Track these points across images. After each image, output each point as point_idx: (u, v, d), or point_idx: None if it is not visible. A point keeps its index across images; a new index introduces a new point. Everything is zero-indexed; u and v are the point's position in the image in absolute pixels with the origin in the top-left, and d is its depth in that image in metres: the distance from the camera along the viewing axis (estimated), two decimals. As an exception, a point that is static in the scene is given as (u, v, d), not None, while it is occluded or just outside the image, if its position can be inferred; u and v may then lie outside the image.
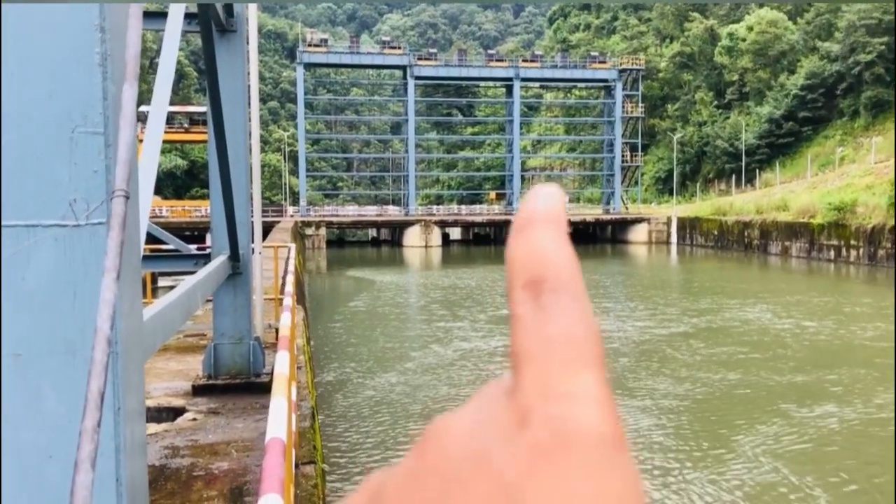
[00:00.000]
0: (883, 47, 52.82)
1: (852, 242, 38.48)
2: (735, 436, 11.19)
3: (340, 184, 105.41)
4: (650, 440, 11.08)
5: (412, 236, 59.14)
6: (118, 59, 1.98)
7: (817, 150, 58.52)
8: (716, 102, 73.17)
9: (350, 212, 71.24)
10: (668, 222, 60.26)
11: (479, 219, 67.00)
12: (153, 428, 6.66)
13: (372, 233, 75.91)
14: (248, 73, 8.11)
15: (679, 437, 11.21)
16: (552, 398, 0.25)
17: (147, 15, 6.65)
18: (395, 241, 64.26)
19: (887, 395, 13.28)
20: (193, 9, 6.22)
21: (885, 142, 49.66)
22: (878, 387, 13.94)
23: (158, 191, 70.18)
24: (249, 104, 8.23)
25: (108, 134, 1.96)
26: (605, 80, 72.13)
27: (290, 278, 8.48)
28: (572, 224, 66.37)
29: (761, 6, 70.03)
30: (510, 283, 0.29)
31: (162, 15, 5.70)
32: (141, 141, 4.12)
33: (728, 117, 69.68)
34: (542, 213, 0.30)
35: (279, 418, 2.57)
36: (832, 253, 40.05)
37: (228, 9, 7.21)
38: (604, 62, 73.27)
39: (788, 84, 63.10)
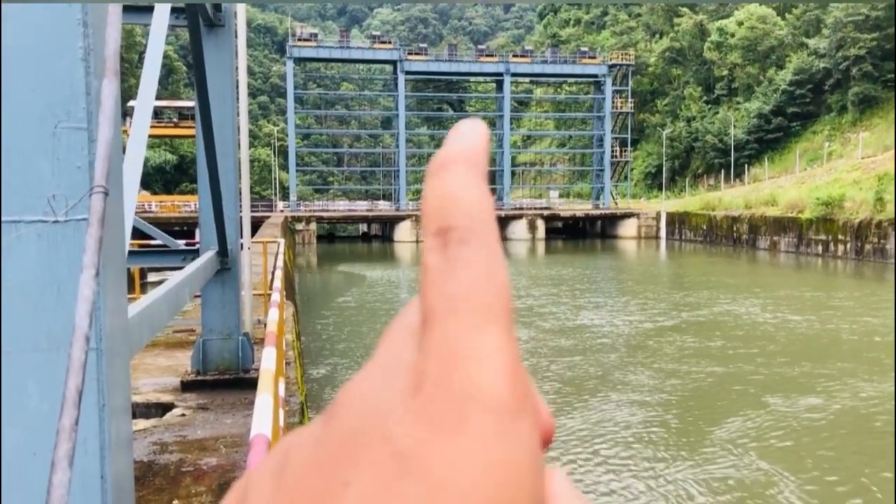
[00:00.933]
0: (874, 43, 53.07)
1: (840, 237, 38.72)
2: (719, 428, 11.26)
3: (331, 179, 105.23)
4: (636, 432, 11.13)
5: (403, 231, 59.12)
6: (100, 54, 1.97)
7: (805, 146, 58.80)
8: (705, 98, 73.40)
9: (340, 207, 71.06)
10: (658, 217, 60.45)
11: (469, 214, 66.95)
12: (141, 424, 6.65)
13: (362, 228, 75.81)
14: (237, 68, 8.08)
15: (665, 429, 11.26)
16: (449, 360, 0.24)
17: (134, 9, 6.61)
18: (386, 237, 64.22)
19: (871, 388, 13.40)
20: (181, 3, 6.19)
21: (873, 137, 49.94)
22: (862, 380, 14.06)
23: (147, 186, 69.87)
24: (238, 99, 8.20)
25: (92, 129, 1.95)
26: (595, 76, 72.21)
27: (279, 274, 8.46)
28: (563, 219, 66.63)
29: (751, 2, 70.27)
30: (423, 230, 0.27)
31: (149, 9, 5.66)
32: (128, 135, 4.10)
33: (717, 112, 69.91)
34: (458, 153, 0.28)
35: (264, 415, 2.57)
36: (820, 247, 40.29)
37: (216, 3, 7.17)
38: (594, 57, 73.34)
39: (777, 79, 63.35)
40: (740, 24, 69.28)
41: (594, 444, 10.59)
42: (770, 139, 62.60)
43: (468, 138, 0.29)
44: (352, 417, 0.24)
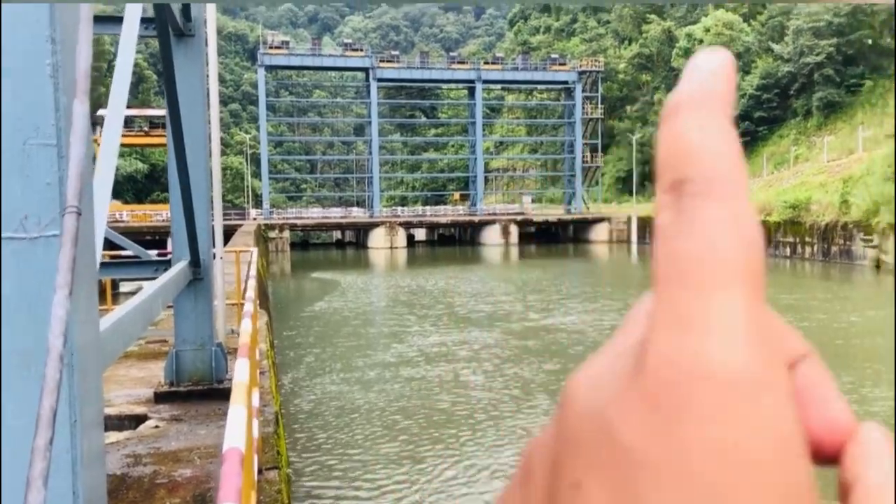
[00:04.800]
0: (832, 49, 54.04)
1: (807, 239, 39.36)
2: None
3: (304, 186, 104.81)
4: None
5: (377, 238, 59.02)
6: (69, 70, 1.97)
7: (773, 150, 59.69)
8: (674, 103, 74.17)
9: (314, 214, 70.78)
10: (629, 222, 60.99)
11: (443, 219, 67.09)
12: (114, 436, 6.59)
13: (336, 235, 75.58)
14: (207, 77, 8.05)
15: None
16: (675, 333, 0.21)
17: (103, 19, 6.57)
18: (360, 243, 64.09)
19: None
20: (151, 13, 6.17)
21: (837, 141, 50.82)
22: None
23: (118, 195, 69.06)
24: (209, 107, 8.17)
25: (61, 146, 1.95)
26: (566, 82, 72.77)
27: (252, 283, 8.43)
28: (536, 224, 66.98)
29: (717, 7, 71.23)
30: (657, 186, 0.24)
31: (118, 19, 5.64)
32: (98, 145, 4.08)
33: (687, 117, 70.68)
34: (696, 92, 0.24)
35: (236, 427, 2.57)
36: (788, 249, 40.92)
37: (186, 13, 7.15)
38: (564, 64, 73.92)
39: (744, 85, 64.24)
40: (707, 30, 70.18)
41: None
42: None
43: (708, 72, 0.25)
44: (576, 408, 0.23)
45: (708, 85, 0.24)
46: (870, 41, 53.80)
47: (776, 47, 60.56)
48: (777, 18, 64.38)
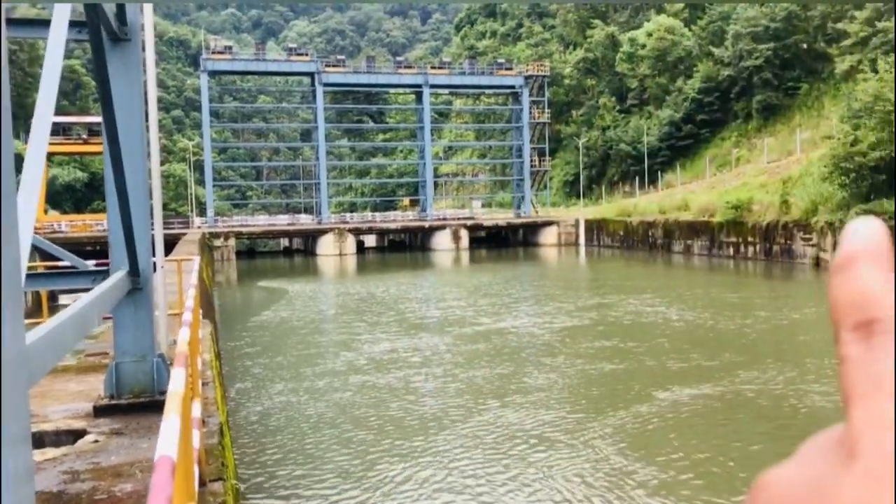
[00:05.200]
0: (769, 53, 55.57)
1: (749, 239, 40.35)
2: (609, 422, 11.59)
3: (250, 193, 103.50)
4: (534, 431, 11.31)
5: (326, 245, 58.55)
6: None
7: (715, 152, 61.07)
8: (618, 107, 75.43)
9: (260, 221, 69.85)
10: (577, 224, 61.72)
11: (393, 225, 66.93)
12: (51, 452, 6.38)
13: (284, 242, 74.74)
14: (145, 82, 7.88)
15: (561, 427, 11.49)
16: (885, 428, 0.25)
17: (33, 22, 6.38)
18: (309, 251, 63.49)
19: (748, 375, 14.23)
20: (82, 17, 6.00)
21: (776, 143, 52.26)
22: (739, 369, 15.02)
23: (57, 205, 67.22)
24: (147, 113, 8.00)
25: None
26: (512, 87, 73.37)
27: (192, 292, 8.27)
28: (486, 228, 67.34)
29: (660, 12, 72.68)
30: (837, 325, 0.28)
31: (47, 23, 5.47)
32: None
33: (629, 122, 71.92)
34: (865, 250, 0.29)
35: (170, 437, 2.51)
36: (731, 249, 41.88)
37: (121, 17, 6.99)
38: (510, 69, 74.52)
39: (686, 88, 65.62)
40: (650, 34, 71.53)
41: (498, 443, 10.72)
42: (681, 146, 64.77)
43: (870, 235, 0.30)
44: (775, 494, 0.26)
45: (870, 244, 0.30)
46: (805, 45, 55.51)
47: (716, 51, 62.03)
48: (717, 23, 65.95)
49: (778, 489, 0.27)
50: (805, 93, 55.24)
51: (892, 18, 43.32)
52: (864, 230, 0.31)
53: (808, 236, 35.47)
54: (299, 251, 68.70)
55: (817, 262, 34.39)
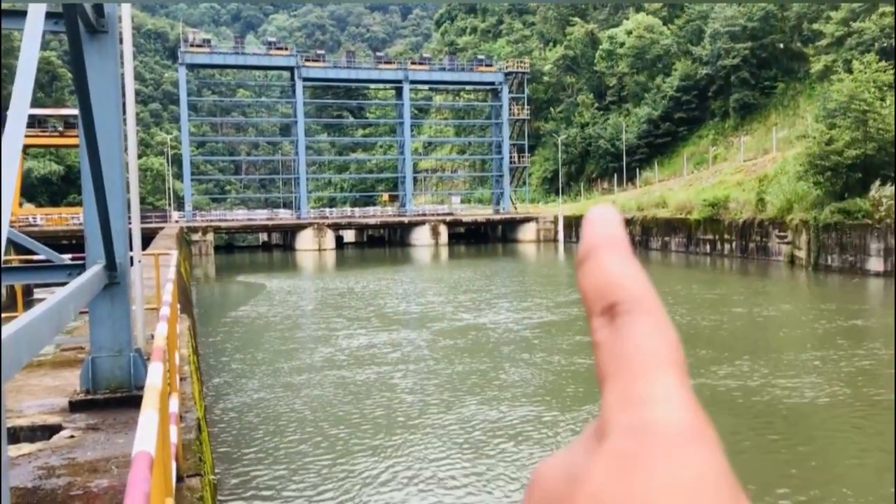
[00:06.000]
0: (747, 52, 56.08)
1: (726, 236, 40.74)
2: (582, 413, 11.67)
3: (228, 187, 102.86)
4: (508, 424, 11.39)
5: (305, 240, 58.33)
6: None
7: (692, 150, 61.56)
8: (597, 104, 75.76)
9: (239, 216, 69.42)
10: (556, 221, 61.98)
11: (372, 221, 66.82)
12: (26, 448, 6.33)
13: (263, 237, 74.34)
14: (123, 75, 7.82)
15: (535, 421, 11.58)
16: (628, 406, 0.26)
17: (7, 13, 6.30)
18: (287, 245, 63.22)
19: (724, 370, 14.40)
20: (59, 8, 5.95)
21: (753, 141, 52.77)
22: (715, 364, 15.21)
23: (32, 198, 66.37)
24: (125, 106, 7.93)
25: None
26: (492, 83, 73.45)
27: (169, 287, 8.22)
28: (465, 224, 67.43)
29: (638, 10, 73.03)
30: (588, 313, 0.30)
31: (23, 13, 5.42)
32: None
33: (608, 119, 72.28)
34: (602, 239, 0.31)
35: (148, 431, 2.51)
36: (708, 247, 42.27)
37: (98, 9, 6.92)
38: (490, 65, 74.57)
39: (664, 86, 66.05)
40: (629, 32, 71.90)
41: (476, 439, 10.77)
42: (659, 144, 65.21)
43: (606, 223, 0.32)
44: (547, 484, 0.28)
45: (610, 231, 0.32)
46: (781, 45, 56.08)
47: (695, 50, 62.49)
48: (696, 22, 66.44)
49: (544, 481, 0.28)
50: (781, 92, 55.82)
51: (868, 19, 43.88)
52: (600, 220, 0.32)
53: (783, 234, 35.89)
54: (278, 246, 68.39)
55: (792, 260, 34.81)
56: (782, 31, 56.22)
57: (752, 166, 46.10)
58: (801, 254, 34.14)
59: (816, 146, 32.58)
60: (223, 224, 61.64)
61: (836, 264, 31.69)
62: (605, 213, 0.33)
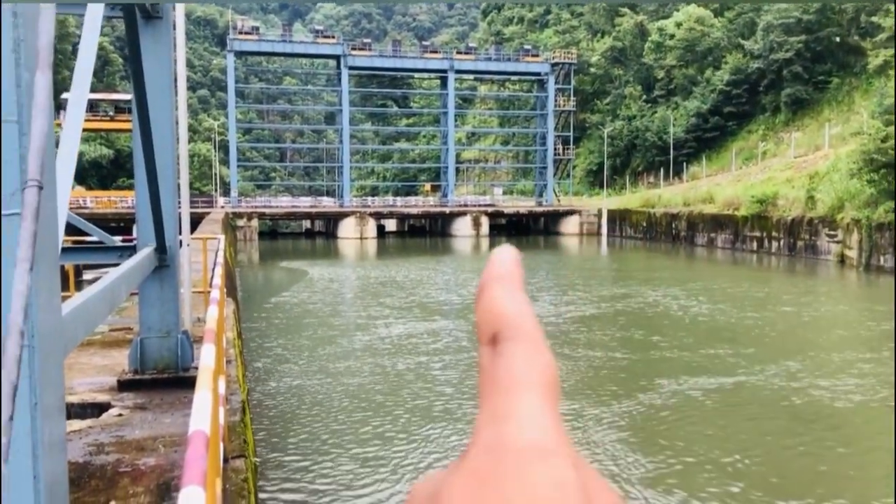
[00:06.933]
0: (800, 45, 54.77)
1: (773, 234, 39.95)
2: (622, 408, 11.58)
3: (273, 174, 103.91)
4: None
5: (347, 228, 58.74)
6: (32, 45, 1.92)
7: (741, 145, 60.42)
8: (645, 97, 74.75)
9: (283, 203, 70.17)
10: (599, 214, 61.40)
11: (414, 210, 66.98)
12: (77, 424, 6.49)
13: (306, 224, 75.07)
14: (175, 61, 7.92)
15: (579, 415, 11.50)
16: (490, 424, 0.28)
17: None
18: (330, 233, 63.72)
19: (769, 370, 14.11)
20: (116, -6, 6.04)
21: (804, 137, 51.60)
22: (759, 364, 14.89)
23: (83, 181, 67.86)
24: (176, 92, 8.04)
25: (23, 122, 1.90)
26: (538, 74, 72.90)
27: (219, 270, 8.34)
28: (507, 216, 67.19)
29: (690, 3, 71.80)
30: (479, 342, 0.33)
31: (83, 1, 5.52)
32: (61, 128, 3.99)
33: (656, 112, 71.27)
34: (497, 275, 0.34)
35: (202, 411, 2.54)
36: (755, 244, 41.50)
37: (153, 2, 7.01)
38: (537, 56, 74.01)
39: (714, 79, 64.88)
40: (679, 25, 70.73)
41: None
42: (708, 138, 64.13)
43: (503, 261, 0.35)
44: (416, 500, 0.30)
45: (506, 269, 0.34)
46: (837, 38, 54.61)
47: (746, 43, 61.22)
48: (748, 14, 65.03)
49: (419, 491, 0.30)
50: (836, 87, 54.41)
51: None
52: (499, 258, 0.35)
53: (833, 233, 35.05)
54: (321, 233, 68.99)
55: (842, 260, 34.00)
56: (839, 24, 54.72)
57: (803, 163, 45.09)
58: (852, 253, 33.32)
59: (872, 143, 31.72)
60: (267, 210, 62.38)
61: (888, 265, 30.86)
62: (503, 253, 0.35)
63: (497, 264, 0.34)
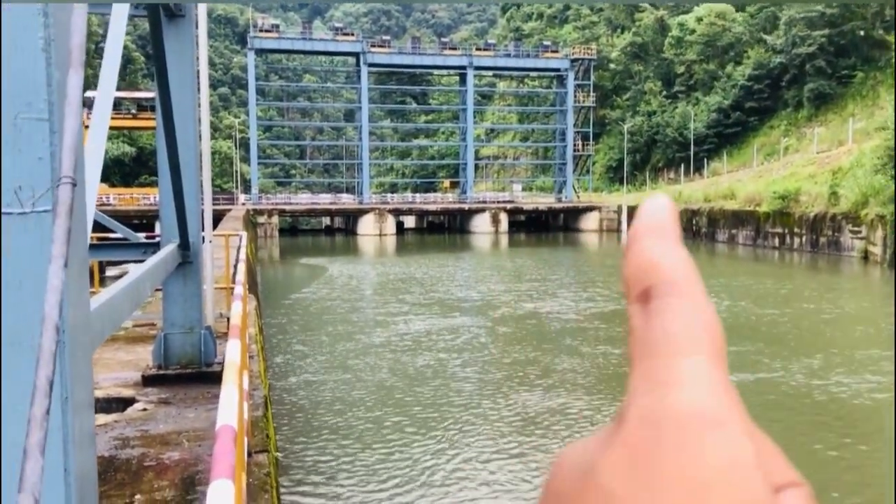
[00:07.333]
0: (823, 40, 54.13)
1: (796, 230, 39.54)
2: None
3: (293, 171, 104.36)
4: (569, 414, 11.30)
5: (366, 224, 58.91)
6: (62, 44, 1.94)
7: (763, 140, 59.85)
8: (665, 92, 74.24)
9: (303, 200, 70.49)
10: (619, 210, 61.10)
11: (433, 207, 67.02)
12: (102, 419, 6.57)
13: (325, 221, 75.38)
14: (198, 59, 7.98)
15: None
16: (649, 391, 0.24)
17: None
18: (349, 230, 63.95)
19: (791, 366, 13.99)
20: (140, -8, 6.10)
21: (827, 132, 51.01)
22: (783, 360, 14.73)
23: (106, 178, 68.51)
24: (199, 90, 8.10)
25: (53, 120, 1.93)
26: (558, 70, 72.63)
27: (242, 267, 8.40)
28: (526, 212, 67.06)
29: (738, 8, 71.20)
30: (627, 300, 0.29)
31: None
32: (87, 127, 4.04)
33: (677, 107, 70.77)
34: (650, 225, 0.31)
35: (229, 406, 2.57)
36: (777, 240, 41.10)
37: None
38: (556, 52, 73.74)
39: (735, 75, 64.32)
40: (700, 20, 70.17)
41: (527, 425, 10.73)
42: (729, 133, 63.59)
43: (656, 211, 0.31)
44: (563, 469, 0.26)
45: (659, 219, 0.31)
46: (862, 32, 53.90)
47: (768, 38, 60.61)
48: (769, 9, 64.38)
49: (562, 470, 0.27)
50: (860, 81, 53.72)
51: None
52: (651, 208, 0.32)
53: (856, 229, 34.64)
54: (340, 230, 69.25)
55: (866, 256, 33.59)
56: (863, 17, 54.02)
57: (826, 158, 44.57)
58: (877, 250, 32.91)
59: (896, 138, 31.32)
60: (288, 207, 62.70)
61: (913, 262, 30.46)
62: (656, 202, 0.32)
63: (649, 214, 0.31)
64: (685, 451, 0.22)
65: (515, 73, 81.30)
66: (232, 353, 3.49)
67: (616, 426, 0.25)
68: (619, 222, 60.59)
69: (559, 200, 69.91)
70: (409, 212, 66.93)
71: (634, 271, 0.29)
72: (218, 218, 30.38)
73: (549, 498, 0.25)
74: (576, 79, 72.00)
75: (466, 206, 64.90)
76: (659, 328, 0.26)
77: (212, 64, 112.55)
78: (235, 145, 74.28)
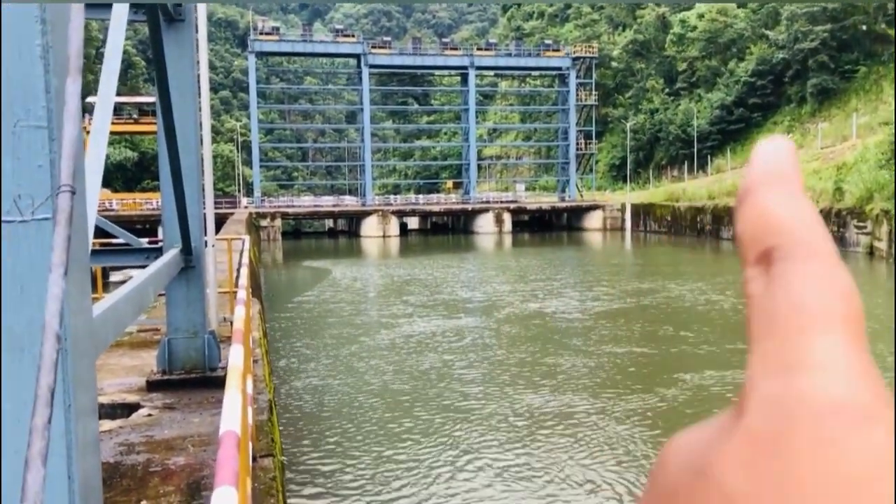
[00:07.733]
0: (826, 35, 54.01)
1: (800, 226, 39.43)
2: (625, 401, 11.51)
3: (295, 174, 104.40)
4: (574, 414, 11.28)
5: (369, 226, 58.93)
6: (60, 51, 1.94)
7: (766, 136, 59.57)
8: (667, 90, 74.14)
9: (306, 202, 70.54)
10: (623, 209, 61.03)
11: (436, 208, 67.00)
12: (107, 424, 6.57)
13: (329, 223, 75.38)
14: (198, 62, 7.98)
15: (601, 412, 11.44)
16: (775, 375, 0.21)
17: (91, 5, 6.49)
18: (353, 232, 63.96)
19: None
20: (140, -2, 6.09)
21: (831, 128, 50.90)
22: None
23: (107, 183, 68.62)
24: (199, 94, 8.10)
25: (52, 128, 1.92)
26: (559, 69, 72.58)
27: (245, 271, 8.40)
28: (529, 212, 67.01)
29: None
30: (742, 262, 0.25)
31: (107, 5, 5.57)
32: (88, 132, 4.04)
33: (679, 104, 70.67)
34: (766, 173, 0.26)
35: (233, 411, 2.56)
36: (781, 237, 41.00)
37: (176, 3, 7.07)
38: (557, 50, 73.68)
39: (738, 71, 64.21)
40: (701, 16, 70.08)
41: (532, 426, 10.71)
42: (732, 130, 63.47)
43: (775, 156, 0.26)
44: (675, 462, 0.22)
45: (778, 165, 0.26)
46: (864, 27, 53.77)
47: (770, 33, 60.50)
48: (771, 4, 64.24)
49: (669, 465, 0.23)
50: (863, 76, 53.58)
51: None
52: (767, 153, 0.27)
53: (861, 224, 34.55)
54: (343, 232, 69.26)
55: (871, 251, 33.51)
56: (865, 11, 53.89)
57: (830, 153, 44.47)
58: (882, 245, 32.82)
59: (900, 133, 31.24)
60: (290, 210, 62.73)
61: (918, 256, 30.38)
62: (775, 145, 0.27)
63: (766, 160, 0.26)
64: (825, 448, 0.18)
65: (517, 73, 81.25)
66: (235, 358, 3.48)
67: (734, 415, 0.21)
68: (623, 221, 60.53)
69: (562, 199, 69.86)
70: (413, 213, 66.92)
71: (752, 228, 0.24)
72: (220, 222, 30.40)
73: (657, 497, 0.22)
74: (577, 77, 71.94)
75: (470, 207, 64.88)
76: (784, 298, 0.22)
77: (212, 67, 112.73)
78: (237, 148, 74.37)
